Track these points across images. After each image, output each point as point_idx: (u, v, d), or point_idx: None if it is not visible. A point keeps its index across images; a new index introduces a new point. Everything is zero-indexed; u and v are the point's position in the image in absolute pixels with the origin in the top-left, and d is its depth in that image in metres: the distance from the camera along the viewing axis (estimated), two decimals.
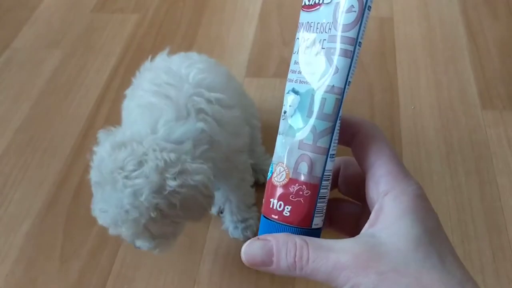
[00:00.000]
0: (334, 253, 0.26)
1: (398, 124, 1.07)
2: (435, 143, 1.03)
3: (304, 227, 0.30)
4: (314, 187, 0.29)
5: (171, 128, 0.64)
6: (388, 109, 1.11)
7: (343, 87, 0.29)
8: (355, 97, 1.14)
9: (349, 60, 0.28)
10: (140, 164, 0.60)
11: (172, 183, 0.60)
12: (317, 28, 0.29)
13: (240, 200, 0.87)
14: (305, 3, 0.30)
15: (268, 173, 0.31)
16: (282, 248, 0.27)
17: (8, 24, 1.43)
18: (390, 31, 1.30)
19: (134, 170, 0.59)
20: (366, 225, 0.28)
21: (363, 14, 0.28)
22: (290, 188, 0.29)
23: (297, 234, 0.29)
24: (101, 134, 0.66)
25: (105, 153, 0.61)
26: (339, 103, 0.29)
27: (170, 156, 0.60)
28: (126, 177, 0.59)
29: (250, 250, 0.28)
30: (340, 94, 0.29)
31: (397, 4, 1.37)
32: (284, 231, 0.29)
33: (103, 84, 1.21)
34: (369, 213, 0.30)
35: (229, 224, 0.90)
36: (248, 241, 0.29)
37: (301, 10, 0.31)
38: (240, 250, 0.29)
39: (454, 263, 0.26)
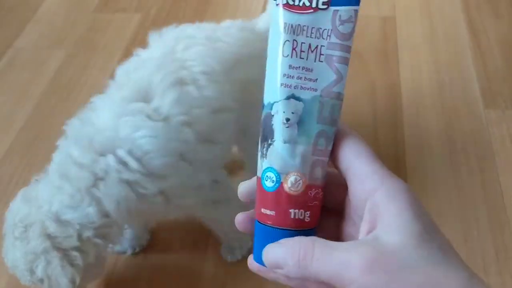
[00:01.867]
0: (340, 252, 0.26)
1: (401, 124, 1.07)
2: (438, 142, 1.03)
3: (312, 227, 0.30)
4: (324, 188, 0.31)
5: (62, 208, 0.64)
6: (390, 108, 1.11)
7: (343, 92, 0.30)
8: (358, 97, 1.14)
9: (347, 67, 0.30)
10: (26, 232, 0.63)
11: (34, 276, 0.63)
12: (312, 33, 0.29)
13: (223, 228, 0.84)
14: (287, 2, 0.29)
15: (263, 181, 0.30)
16: (293, 247, 0.28)
17: (11, 23, 1.43)
18: (393, 30, 1.30)
19: (20, 236, 0.63)
20: (365, 226, 0.28)
21: (356, 24, 0.30)
22: (308, 194, 0.30)
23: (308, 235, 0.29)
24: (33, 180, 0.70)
25: (13, 204, 0.66)
26: (341, 107, 0.30)
27: (44, 244, 0.62)
28: (15, 238, 0.63)
29: (271, 253, 0.29)
30: (342, 100, 0.30)
31: (399, 3, 1.37)
32: (294, 235, 0.29)
33: (106, 83, 1.21)
34: (351, 215, 0.31)
35: (224, 251, 0.87)
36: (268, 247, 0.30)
37: (280, 7, 0.29)
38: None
39: (457, 258, 0.26)
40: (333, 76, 0.29)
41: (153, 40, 0.77)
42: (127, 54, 1.29)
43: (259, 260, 0.30)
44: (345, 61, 0.30)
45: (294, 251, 0.27)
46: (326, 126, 0.29)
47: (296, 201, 0.29)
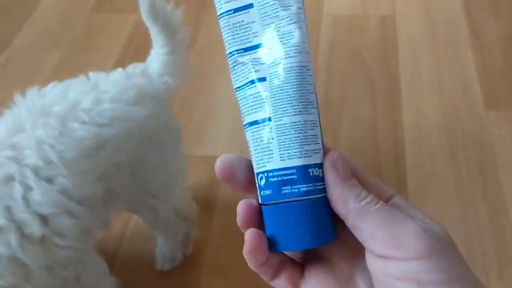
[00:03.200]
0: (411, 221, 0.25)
1: (400, 124, 1.06)
2: (438, 143, 1.02)
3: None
4: None
5: None
6: (390, 108, 1.10)
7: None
8: (357, 97, 1.13)
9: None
10: None
11: None
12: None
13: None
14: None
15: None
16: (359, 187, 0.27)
17: (8, 23, 1.42)
18: (392, 29, 1.29)
19: None
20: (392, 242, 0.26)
21: None
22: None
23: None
24: None
25: None
26: None
27: None
28: None
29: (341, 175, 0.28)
30: None
31: (399, 2, 1.36)
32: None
33: None
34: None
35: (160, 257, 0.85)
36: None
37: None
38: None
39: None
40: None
41: (16, 101, 0.67)
42: (124, 54, 1.28)
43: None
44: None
45: (361, 191, 0.27)
46: None
47: None
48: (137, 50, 1.30)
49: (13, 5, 1.48)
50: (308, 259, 0.30)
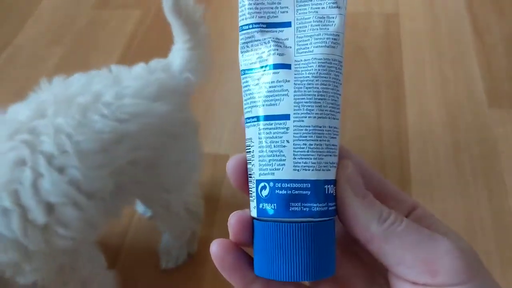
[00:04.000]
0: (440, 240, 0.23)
1: (404, 122, 1.06)
2: (442, 142, 1.02)
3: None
4: None
5: None
6: (394, 107, 1.10)
7: None
8: (360, 93, 1.13)
9: None
10: None
11: None
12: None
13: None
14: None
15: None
16: (381, 206, 0.24)
17: (10, 20, 1.42)
18: (396, 27, 1.28)
19: None
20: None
21: None
22: None
23: None
24: None
25: None
26: None
27: None
28: None
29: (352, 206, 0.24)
30: None
31: (403, 0, 1.36)
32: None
33: None
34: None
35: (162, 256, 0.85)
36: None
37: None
38: None
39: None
40: None
41: (43, 86, 0.67)
42: (126, 50, 1.28)
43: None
44: None
45: (382, 210, 0.24)
46: None
47: None
48: (139, 46, 1.29)
49: (16, 2, 1.48)
50: None
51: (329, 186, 0.24)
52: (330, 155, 0.24)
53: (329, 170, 0.24)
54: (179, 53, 0.72)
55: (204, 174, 0.98)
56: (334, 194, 0.24)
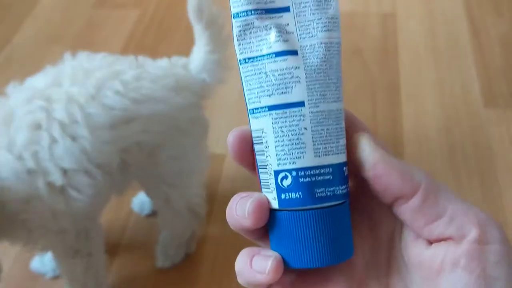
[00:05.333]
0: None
1: (400, 122, 1.07)
2: (437, 142, 1.03)
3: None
4: None
5: None
6: (390, 106, 1.10)
7: None
8: (356, 94, 1.13)
9: None
10: None
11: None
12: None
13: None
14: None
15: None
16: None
17: (9, 19, 1.42)
18: (393, 27, 1.29)
19: None
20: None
21: None
22: None
23: None
24: None
25: None
26: None
27: None
28: None
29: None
30: None
31: (399, 0, 1.36)
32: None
33: None
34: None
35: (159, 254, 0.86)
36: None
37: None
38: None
39: None
40: None
41: (65, 59, 0.70)
42: (125, 50, 1.29)
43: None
44: None
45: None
46: None
47: None
48: (138, 46, 1.30)
49: (14, 1, 1.48)
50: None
51: (345, 168, 0.25)
52: (343, 137, 0.25)
53: (344, 152, 0.25)
54: (198, 55, 0.74)
55: None
56: (348, 175, 0.25)
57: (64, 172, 0.62)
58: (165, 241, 0.86)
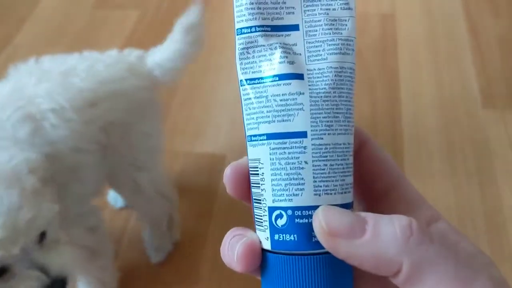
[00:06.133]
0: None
1: (399, 122, 1.07)
2: (436, 142, 1.03)
3: None
4: None
5: None
6: (389, 106, 1.11)
7: None
8: (356, 94, 1.13)
9: None
10: None
11: None
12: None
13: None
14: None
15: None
16: (382, 217, 0.20)
17: (9, 20, 1.43)
18: (392, 28, 1.29)
19: None
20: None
21: None
22: None
23: None
24: None
25: None
26: None
27: None
28: None
29: (332, 217, 0.20)
30: None
31: (399, 1, 1.37)
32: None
33: None
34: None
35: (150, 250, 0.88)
36: (324, 207, 0.21)
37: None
38: None
39: None
40: None
41: (10, 74, 0.72)
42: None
43: None
44: None
45: (400, 220, 0.20)
46: None
47: None
48: (138, 46, 1.30)
49: (15, 2, 1.49)
50: None
51: (350, 209, 0.22)
52: (350, 175, 0.22)
53: (350, 192, 0.22)
54: (162, 53, 0.78)
55: (202, 174, 0.99)
56: None
57: (77, 150, 0.66)
58: (148, 236, 0.88)
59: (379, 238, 0.19)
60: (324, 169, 0.21)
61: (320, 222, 0.20)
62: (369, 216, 0.20)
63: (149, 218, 0.86)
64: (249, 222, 0.23)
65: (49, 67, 0.70)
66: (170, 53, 0.76)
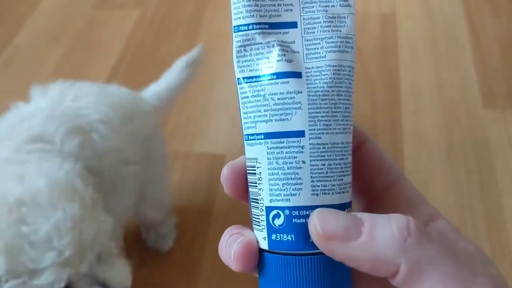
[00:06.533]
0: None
1: (399, 122, 1.07)
2: (437, 142, 1.03)
3: None
4: None
5: None
6: (389, 106, 1.11)
7: None
8: (356, 94, 1.14)
9: None
10: None
11: None
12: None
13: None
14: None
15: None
16: (379, 218, 0.20)
17: (9, 20, 1.43)
18: (392, 28, 1.29)
19: None
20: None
21: None
22: None
23: None
24: None
25: None
26: None
27: None
28: None
29: (327, 219, 0.20)
30: None
31: (399, 1, 1.37)
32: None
33: (104, 80, 1.21)
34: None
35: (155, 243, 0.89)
36: (319, 210, 0.20)
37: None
38: None
39: None
40: None
41: (36, 93, 0.69)
42: (126, 50, 1.29)
43: None
44: None
45: (397, 218, 0.20)
46: None
47: None
48: (138, 46, 1.30)
49: (15, 2, 1.49)
50: None
51: (348, 209, 0.21)
52: (348, 175, 0.21)
53: (348, 191, 0.21)
54: (157, 84, 0.81)
55: (202, 174, 0.99)
56: None
57: (125, 162, 0.66)
58: (149, 234, 0.89)
59: (375, 239, 0.19)
60: (322, 169, 0.21)
61: (315, 225, 0.20)
62: (366, 217, 0.20)
63: (148, 223, 0.88)
64: (249, 222, 0.23)
65: (80, 85, 0.70)
66: (167, 84, 0.80)
